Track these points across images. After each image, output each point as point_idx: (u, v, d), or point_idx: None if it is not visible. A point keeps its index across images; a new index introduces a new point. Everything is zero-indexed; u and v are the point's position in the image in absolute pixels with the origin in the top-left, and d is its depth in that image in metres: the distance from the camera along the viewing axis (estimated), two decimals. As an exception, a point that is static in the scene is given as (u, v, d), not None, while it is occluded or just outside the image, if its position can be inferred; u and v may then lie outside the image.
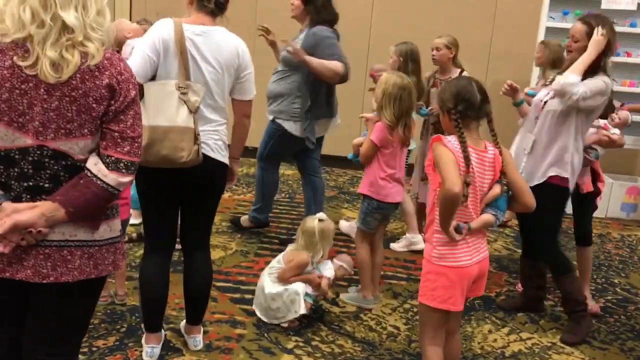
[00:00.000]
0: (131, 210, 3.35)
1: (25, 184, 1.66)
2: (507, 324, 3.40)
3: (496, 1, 6.05)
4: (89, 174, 1.67)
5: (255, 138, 3.92)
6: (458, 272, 2.30)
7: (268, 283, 3.18)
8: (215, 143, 2.62)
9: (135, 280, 3.29)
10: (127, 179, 1.71)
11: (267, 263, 3.36)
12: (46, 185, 1.67)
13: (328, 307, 3.42)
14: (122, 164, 1.69)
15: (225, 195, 3.14)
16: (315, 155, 4.24)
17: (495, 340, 3.22)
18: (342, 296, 3.54)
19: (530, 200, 2.40)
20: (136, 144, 1.72)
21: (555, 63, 4.22)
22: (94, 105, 1.65)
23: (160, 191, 2.62)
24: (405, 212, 4.29)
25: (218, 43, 2.55)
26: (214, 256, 2.97)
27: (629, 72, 5.63)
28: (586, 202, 3.52)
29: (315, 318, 3.28)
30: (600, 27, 3.02)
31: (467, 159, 2.22)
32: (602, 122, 3.37)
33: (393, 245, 4.32)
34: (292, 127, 4.01)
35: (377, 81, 4.28)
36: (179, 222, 2.76)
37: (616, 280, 4.17)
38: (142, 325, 2.85)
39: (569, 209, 3.56)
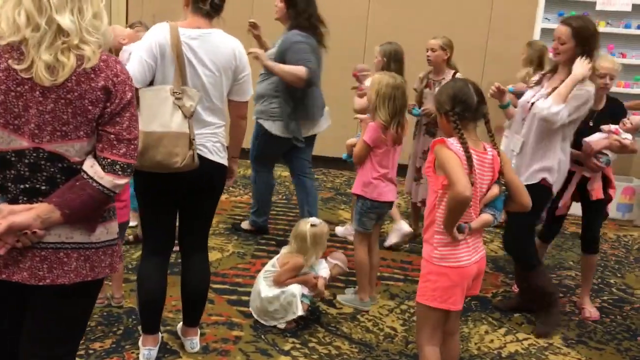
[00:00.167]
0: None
1: (21, 186, 1.66)
2: (504, 325, 3.40)
3: (492, 3, 6.07)
4: (85, 176, 1.68)
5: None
6: (459, 272, 2.31)
7: (264, 287, 3.18)
8: (213, 145, 2.62)
9: (131, 282, 3.29)
10: (123, 181, 1.72)
11: (264, 265, 3.37)
12: (43, 187, 1.67)
13: (325, 309, 3.42)
14: (118, 166, 1.70)
15: (223, 197, 3.14)
16: (304, 156, 4.24)
17: (491, 340, 3.23)
18: (339, 297, 3.54)
19: (527, 199, 2.43)
20: (132, 146, 1.72)
21: (537, 61, 4.26)
22: (90, 108, 1.65)
23: (158, 194, 2.62)
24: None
25: (215, 46, 2.55)
26: (210, 258, 2.97)
27: (623, 73, 5.60)
28: (596, 208, 3.47)
29: (312, 319, 3.29)
30: (585, 57, 3.03)
31: (469, 159, 2.24)
32: (613, 127, 3.30)
33: (387, 243, 4.35)
34: (272, 127, 4.02)
35: (360, 80, 4.34)
36: (178, 224, 2.77)
37: (612, 281, 4.18)
38: (139, 328, 2.85)
39: (577, 210, 3.57)
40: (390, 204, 3.45)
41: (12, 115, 1.61)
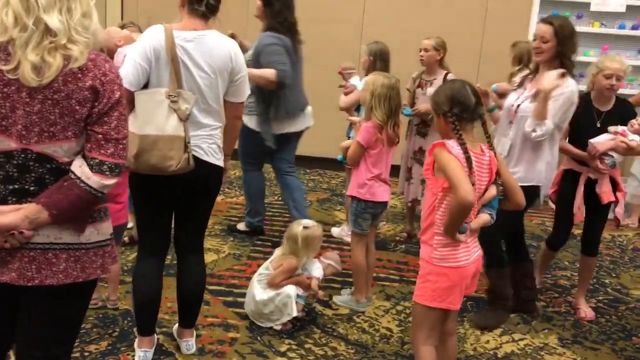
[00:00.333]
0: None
1: (10, 187, 1.65)
2: (500, 325, 3.41)
3: (487, 3, 6.08)
4: (72, 176, 1.67)
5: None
6: (459, 272, 2.33)
7: (258, 290, 3.17)
8: (209, 147, 2.62)
9: (127, 284, 3.29)
10: (111, 181, 1.70)
11: (260, 266, 3.36)
12: (31, 188, 1.66)
13: (321, 310, 3.42)
14: (105, 166, 1.68)
15: (218, 198, 3.13)
16: (283, 155, 4.26)
17: (487, 341, 3.23)
18: (335, 299, 3.54)
19: (522, 198, 2.47)
20: (121, 146, 1.70)
21: (520, 60, 4.27)
22: (77, 108, 1.64)
23: (153, 195, 2.62)
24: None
25: (210, 48, 2.54)
26: (206, 259, 2.97)
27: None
28: (601, 211, 3.44)
29: (308, 321, 3.28)
30: (554, 75, 3.04)
31: (468, 160, 2.25)
32: (620, 128, 3.25)
33: (334, 230, 4.54)
34: (249, 122, 4.07)
35: (345, 78, 4.38)
36: (173, 225, 2.76)
37: (607, 281, 4.19)
38: (135, 330, 2.85)
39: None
40: (384, 204, 3.45)
41: (0, 117, 1.60)
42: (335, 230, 4.60)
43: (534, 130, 3.07)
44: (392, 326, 3.31)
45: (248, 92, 2.75)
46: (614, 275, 4.31)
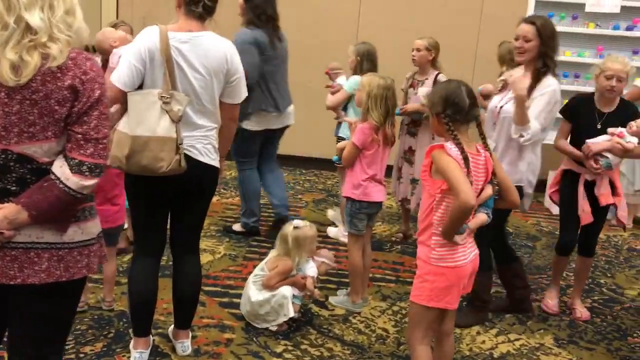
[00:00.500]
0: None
1: None
2: (495, 326, 3.41)
3: (482, 4, 6.09)
4: (52, 176, 1.66)
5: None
6: (457, 272, 2.34)
7: (254, 292, 3.17)
8: (204, 147, 2.61)
9: (122, 285, 3.28)
10: (90, 182, 1.68)
11: (256, 267, 3.36)
12: (13, 188, 1.66)
13: (317, 311, 3.42)
14: (85, 167, 1.66)
15: (214, 199, 3.13)
16: (264, 151, 4.32)
17: (483, 341, 3.24)
18: (331, 299, 3.54)
19: (517, 197, 2.50)
20: (101, 146, 1.69)
21: (502, 59, 4.30)
22: (57, 108, 1.62)
23: (148, 196, 2.62)
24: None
25: (206, 49, 2.54)
26: (202, 260, 2.97)
27: (612, 74, 5.68)
28: (600, 213, 3.42)
29: (304, 321, 3.28)
30: (520, 77, 3.05)
31: (466, 159, 2.25)
32: (618, 130, 3.19)
33: (331, 230, 4.55)
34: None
35: (332, 78, 4.39)
36: (169, 226, 2.75)
37: (602, 281, 4.20)
38: (130, 331, 2.84)
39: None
40: (379, 205, 3.46)
41: None
42: (331, 231, 4.59)
43: (521, 136, 3.07)
44: (388, 327, 3.31)
45: (245, 93, 2.74)
46: (609, 275, 4.33)
